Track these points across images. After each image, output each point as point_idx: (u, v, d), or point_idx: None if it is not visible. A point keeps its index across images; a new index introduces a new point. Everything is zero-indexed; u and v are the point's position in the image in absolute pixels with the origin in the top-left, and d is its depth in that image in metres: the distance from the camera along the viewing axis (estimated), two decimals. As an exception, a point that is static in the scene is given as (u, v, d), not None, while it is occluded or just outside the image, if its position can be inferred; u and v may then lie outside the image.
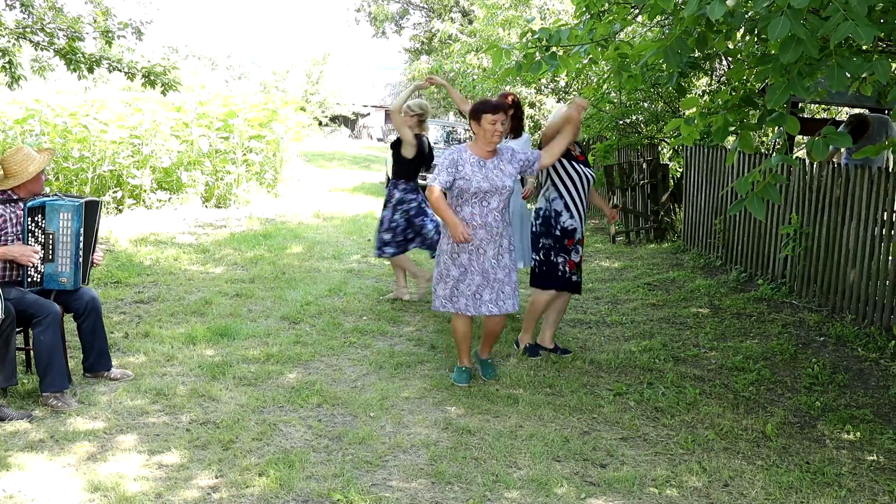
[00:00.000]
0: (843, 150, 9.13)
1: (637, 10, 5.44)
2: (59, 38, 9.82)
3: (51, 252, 5.04)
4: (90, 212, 5.24)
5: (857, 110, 9.72)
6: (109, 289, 7.73)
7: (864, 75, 4.52)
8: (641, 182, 12.17)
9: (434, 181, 5.26)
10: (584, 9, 5.71)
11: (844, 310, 7.32)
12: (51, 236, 5.03)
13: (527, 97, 15.91)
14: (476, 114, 5.28)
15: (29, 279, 5.01)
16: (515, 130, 6.73)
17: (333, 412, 4.93)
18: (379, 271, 9.16)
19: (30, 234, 4.99)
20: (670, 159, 13.71)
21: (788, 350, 6.53)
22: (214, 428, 4.60)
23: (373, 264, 9.40)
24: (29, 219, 4.98)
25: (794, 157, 9.24)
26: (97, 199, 5.46)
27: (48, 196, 5.14)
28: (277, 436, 4.54)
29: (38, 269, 5.03)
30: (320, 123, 46.55)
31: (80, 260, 5.15)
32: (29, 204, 4.99)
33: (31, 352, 5.13)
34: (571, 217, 6.05)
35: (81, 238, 5.12)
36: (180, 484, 3.93)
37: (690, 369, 6.08)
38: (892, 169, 6.87)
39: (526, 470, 4.23)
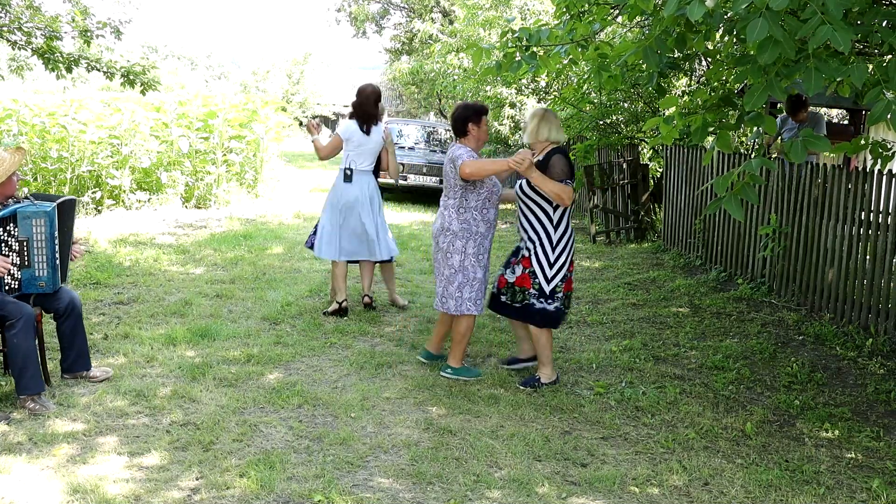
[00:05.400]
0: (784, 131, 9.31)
1: (617, 11, 5.46)
2: (36, 38, 9.75)
3: (26, 258, 4.93)
4: (64, 212, 5.14)
5: (835, 111, 9.81)
6: (89, 290, 7.67)
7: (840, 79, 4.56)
8: (622, 182, 12.23)
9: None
10: (565, 9, 5.73)
11: (823, 309, 7.39)
12: (24, 243, 4.91)
13: (507, 97, 15.93)
14: (478, 116, 5.56)
15: (7, 287, 4.94)
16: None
17: (314, 413, 4.92)
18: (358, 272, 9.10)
19: (3, 244, 4.88)
20: (650, 159, 13.78)
21: (768, 349, 6.58)
22: (195, 429, 4.58)
23: (352, 265, 9.34)
24: (0, 229, 4.86)
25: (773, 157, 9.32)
26: (72, 198, 5.35)
27: (19, 201, 5.01)
28: (258, 437, 4.52)
29: (15, 276, 4.94)
30: (301, 124, 46.39)
31: (58, 262, 5.05)
32: None
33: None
34: None
35: (56, 241, 5.02)
36: (161, 486, 3.90)
37: (671, 368, 6.11)
38: (870, 168, 6.92)
39: (507, 470, 4.24)
